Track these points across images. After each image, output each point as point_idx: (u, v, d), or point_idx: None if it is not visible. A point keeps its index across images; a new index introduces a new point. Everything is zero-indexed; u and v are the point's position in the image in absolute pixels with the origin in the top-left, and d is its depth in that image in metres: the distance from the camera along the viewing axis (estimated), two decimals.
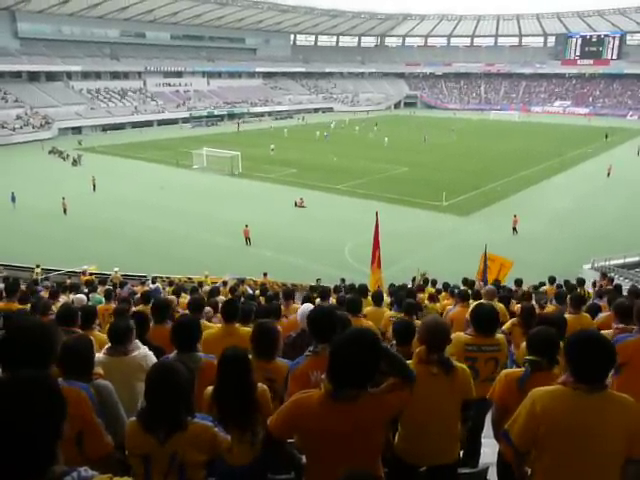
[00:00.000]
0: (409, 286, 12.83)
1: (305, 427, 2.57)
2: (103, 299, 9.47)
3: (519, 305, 6.78)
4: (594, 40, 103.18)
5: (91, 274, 17.79)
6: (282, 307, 7.91)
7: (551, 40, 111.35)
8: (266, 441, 2.75)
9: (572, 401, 2.62)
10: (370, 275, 15.86)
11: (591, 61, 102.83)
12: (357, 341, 2.51)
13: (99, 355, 3.91)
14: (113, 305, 8.42)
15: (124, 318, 5.33)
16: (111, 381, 3.36)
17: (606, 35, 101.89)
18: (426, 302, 7.98)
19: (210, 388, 3.25)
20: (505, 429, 2.86)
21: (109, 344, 3.96)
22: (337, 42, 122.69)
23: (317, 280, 17.35)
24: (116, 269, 18.09)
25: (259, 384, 3.30)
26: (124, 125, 71.54)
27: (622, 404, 2.62)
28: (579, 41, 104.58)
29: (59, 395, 1.73)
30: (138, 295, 9.93)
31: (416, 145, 56.98)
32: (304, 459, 2.78)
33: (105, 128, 69.66)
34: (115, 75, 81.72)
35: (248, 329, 4.92)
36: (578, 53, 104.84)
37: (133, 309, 7.85)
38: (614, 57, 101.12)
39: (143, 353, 3.86)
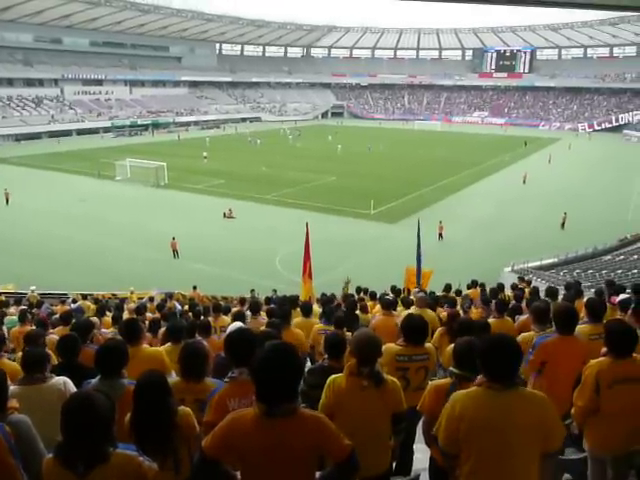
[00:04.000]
0: (344, 296, 12.92)
1: (240, 446, 2.47)
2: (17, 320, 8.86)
3: (444, 314, 6.98)
4: (508, 54, 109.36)
5: (4, 294, 16.64)
6: (211, 320, 7.75)
7: (469, 54, 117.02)
8: (200, 462, 2.60)
9: (486, 400, 2.75)
10: (302, 286, 15.86)
11: (505, 74, 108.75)
12: (276, 355, 2.46)
13: (12, 387, 3.64)
14: (29, 327, 7.90)
15: (37, 344, 5.01)
16: (29, 413, 3.13)
17: (518, 50, 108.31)
18: (358, 312, 8.02)
19: (129, 415, 3.09)
20: (433, 433, 2.96)
21: (23, 373, 3.69)
22: (264, 52, 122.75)
23: (251, 291, 17.12)
24: (32, 288, 16.99)
25: (181, 407, 3.17)
26: (40, 135, 67.96)
27: (533, 400, 2.79)
28: (494, 55, 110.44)
29: None
30: (57, 316, 9.38)
31: (345, 154, 57.84)
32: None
33: (19, 138, 65.89)
34: (29, 82, 77.57)
35: (153, 349, 4.74)
36: (493, 67, 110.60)
37: (51, 331, 7.42)
38: (526, 71, 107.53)
39: (62, 380, 3.64)
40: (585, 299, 6.80)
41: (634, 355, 3.64)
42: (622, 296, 6.85)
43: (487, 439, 2.71)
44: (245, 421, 2.49)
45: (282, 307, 6.27)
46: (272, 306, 9.22)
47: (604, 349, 3.80)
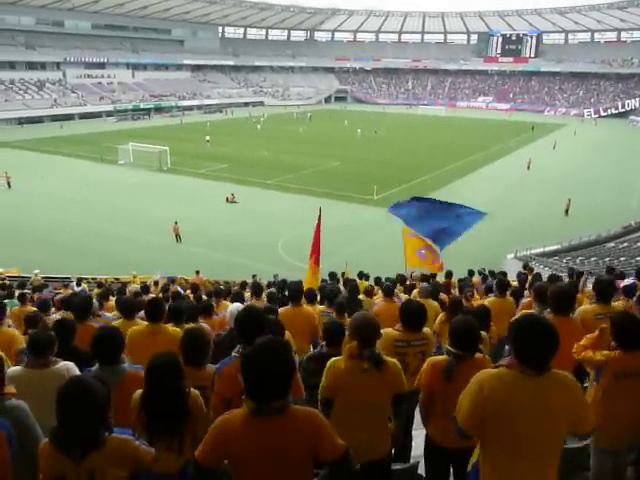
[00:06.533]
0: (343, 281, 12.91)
1: (233, 451, 2.40)
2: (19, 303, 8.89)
3: (447, 297, 6.98)
4: (513, 39, 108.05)
5: (9, 277, 16.70)
6: (214, 305, 7.77)
7: (474, 38, 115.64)
8: (196, 472, 2.53)
9: (518, 383, 2.62)
10: (309, 273, 15.77)
11: (511, 59, 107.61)
12: (266, 351, 2.38)
13: (16, 368, 3.64)
14: (29, 307, 7.94)
15: (42, 327, 5.02)
16: (31, 397, 3.13)
17: (524, 34, 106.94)
18: (362, 296, 8.02)
19: (138, 394, 3.09)
20: (453, 416, 2.85)
21: (29, 355, 3.68)
22: (267, 35, 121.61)
23: (253, 276, 17.13)
24: (36, 271, 17.06)
25: (191, 388, 3.18)
26: (42, 118, 67.82)
27: (565, 384, 2.65)
28: (500, 39, 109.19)
29: None
30: (59, 298, 9.40)
31: (348, 139, 57.51)
32: None
33: (21, 121, 65.70)
34: (31, 65, 77.16)
35: (176, 329, 4.74)
36: (499, 51, 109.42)
37: (54, 315, 7.44)
38: (532, 55, 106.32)
39: (66, 366, 3.62)
40: (590, 285, 6.80)
41: None
42: (627, 281, 6.82)
43: (517, 423, 2.62)
44: (234, 423, 2.41)
45: (292, 287, 6.32)
46: (272, 289, 9.25)
47: (612, 343, 3.71)
